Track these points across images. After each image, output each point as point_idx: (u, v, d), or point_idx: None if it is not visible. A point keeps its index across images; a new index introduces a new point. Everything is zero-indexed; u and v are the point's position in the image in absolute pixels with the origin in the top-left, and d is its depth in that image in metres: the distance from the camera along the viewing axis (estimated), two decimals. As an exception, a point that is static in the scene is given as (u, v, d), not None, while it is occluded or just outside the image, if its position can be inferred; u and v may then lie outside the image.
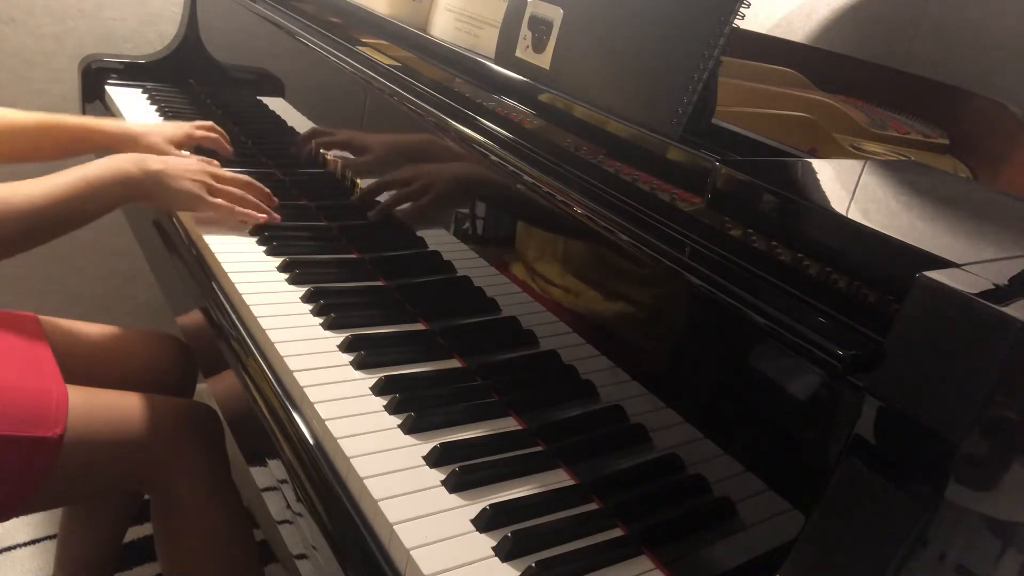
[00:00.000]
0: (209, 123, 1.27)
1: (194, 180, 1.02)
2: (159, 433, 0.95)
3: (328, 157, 1.16)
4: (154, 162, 1.01)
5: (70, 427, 0.87)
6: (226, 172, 1.08)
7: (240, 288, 0.91)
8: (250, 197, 1.06)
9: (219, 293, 0.94)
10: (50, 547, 1.41)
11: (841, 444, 0.49)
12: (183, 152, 1.20)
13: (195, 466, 0.97)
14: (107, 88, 1.59)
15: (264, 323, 0.85)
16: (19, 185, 0.90)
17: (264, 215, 1.06)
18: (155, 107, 1.52)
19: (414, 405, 0.75)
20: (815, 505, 0.50)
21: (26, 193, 0.90)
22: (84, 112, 1.61)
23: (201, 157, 1.20)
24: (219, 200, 1.03)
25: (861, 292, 0.52)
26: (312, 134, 1.20)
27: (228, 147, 1.27)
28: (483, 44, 0.92)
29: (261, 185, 1.10)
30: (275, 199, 1.10)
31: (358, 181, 1.09)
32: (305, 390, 0.75)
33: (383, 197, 1.03)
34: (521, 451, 0.73)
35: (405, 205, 0.99)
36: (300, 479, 0.70)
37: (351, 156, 1.11)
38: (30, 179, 0.91)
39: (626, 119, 0.71)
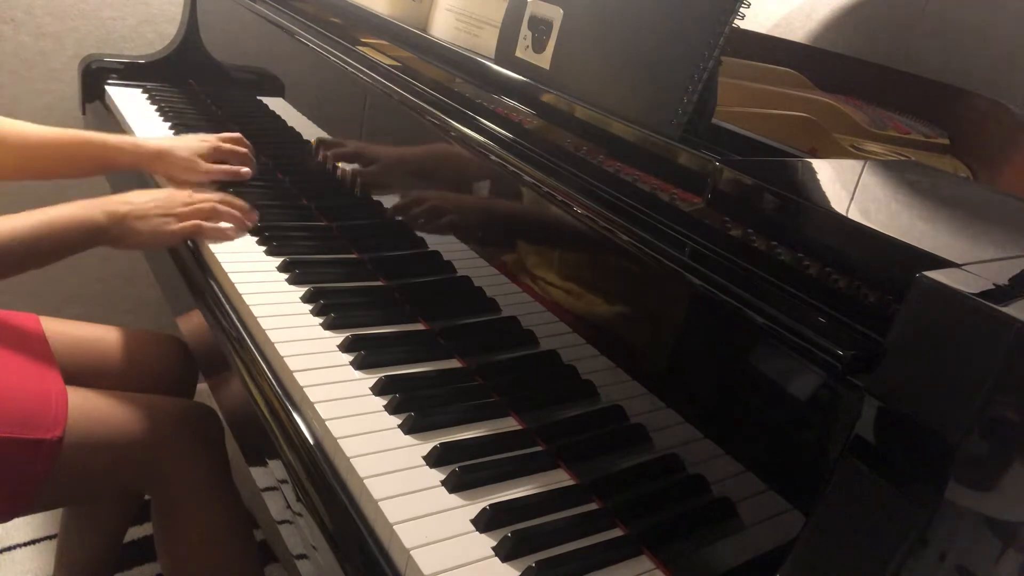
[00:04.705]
0: (237, 135, 1.22)
1: (161, 215, 0.99)
2: (159, 434, 0.95)
3: (328, 157, 1.16)
4: (120, 206, 0.97)
5: (70, 429, 0.87)
6: (199, 194, 1.04)
7: (240, 288, 0.91)
8: (223, 208, 1.03)
9: (219, 293, 0.94)
10: (50, 547, 1.41)
11: (841, 444, 0.49)
12: (212, 166, 1.17)
13: (195, 467, 0.97)
14: (107, 88, 1.59)
15: (264, 323, 0.85)
16: None
17: (232, 228, 1.03)
18: (155, 107, 1.52)
19: (414, 405, 0.75)
20: (815, 505, 0.50)
21: None
22: (84, 112, 1.61)
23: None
24: (185, 224, 1.00)
25: (861, 292, 0.52)
26: (321, 144, 1.19)
27: (252, 161, 1.21)
28: (483, 44, 0.92)
29: (240, 201, 1.06)
30: (255, 215, 1.06)
31: (358, 181, 1.09)
32: (305, 390, 0.75)
33: (384, 198, 1.03)
34: (521, 451, 0.73)
35: (405, 206, 0.99)
36: (300, 479, 0.70)
37: (354, 164, 1.11)
38: None
39: (626, 119, 0.70)
